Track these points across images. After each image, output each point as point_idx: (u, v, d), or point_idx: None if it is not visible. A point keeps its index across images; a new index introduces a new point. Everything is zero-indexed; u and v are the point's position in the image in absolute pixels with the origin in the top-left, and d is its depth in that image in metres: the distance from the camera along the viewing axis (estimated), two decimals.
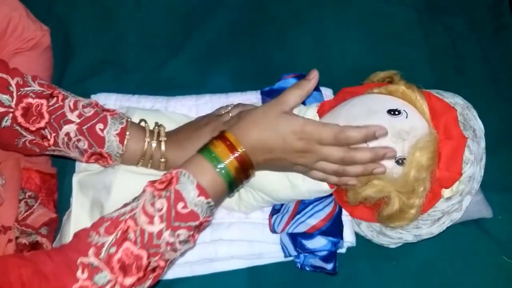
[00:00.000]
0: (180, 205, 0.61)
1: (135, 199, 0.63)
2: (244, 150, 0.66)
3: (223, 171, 0.65)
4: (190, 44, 0.99)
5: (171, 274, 0.80)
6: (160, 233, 0.60)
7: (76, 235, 0.61)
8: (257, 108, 0.70)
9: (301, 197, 0.77)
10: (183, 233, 0.62)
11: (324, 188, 0.73)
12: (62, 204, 0.85)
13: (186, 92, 0.92)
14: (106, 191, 0.76)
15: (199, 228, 0.64)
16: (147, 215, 0.60)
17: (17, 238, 0.76)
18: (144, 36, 1.00)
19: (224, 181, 0.65)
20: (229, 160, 0.65)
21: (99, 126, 0.71)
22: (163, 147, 0.74)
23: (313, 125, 0.67)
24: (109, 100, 0.88)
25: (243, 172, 0.67)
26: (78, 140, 0.71)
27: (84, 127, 0.71)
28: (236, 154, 0.66)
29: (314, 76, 0.70)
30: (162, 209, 0.61)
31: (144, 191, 0.63)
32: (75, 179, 0.81)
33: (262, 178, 0.75)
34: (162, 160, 0.75)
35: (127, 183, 0.76)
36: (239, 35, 1.01)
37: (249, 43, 1.01)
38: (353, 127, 0.67)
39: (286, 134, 0.67)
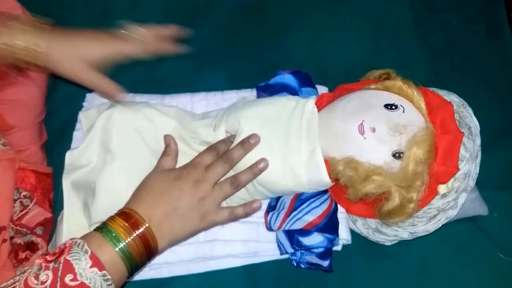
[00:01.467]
0: (68, 277, 0.56)
1: (23, 271, 0.58)
2: (147, 225, 0.64)
3: (122, 249, 0.61)
4: (186, 44, 0.99)
5: (167, 272, 0.80)
6: None
7: None
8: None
9: (299, 189, 0.76)
10: None
11: (325, 180, 0.74)
12: (57, 204, 0.84)
13: (181, 91, 0.92)
14: (92, 195, 0.76)
15: None
16: None
17: (12, 238, 0.76)
18: None
19: (122, 261, 0.61)
20: (128, 238, 0.62)
21: None
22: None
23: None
24: (104, 99, 0.88)
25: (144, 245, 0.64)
26: None
27: None
28: (138, 232, 0.63)
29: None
30: (46, 281, 0.55)
31: (33, 263, 0.59)
32: (66, 180, 0.80)
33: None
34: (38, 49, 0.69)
35: (111, 187, 0.75)
36: (234, 35, 1.01)
37: (244, 42, 1.01)
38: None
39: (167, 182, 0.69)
